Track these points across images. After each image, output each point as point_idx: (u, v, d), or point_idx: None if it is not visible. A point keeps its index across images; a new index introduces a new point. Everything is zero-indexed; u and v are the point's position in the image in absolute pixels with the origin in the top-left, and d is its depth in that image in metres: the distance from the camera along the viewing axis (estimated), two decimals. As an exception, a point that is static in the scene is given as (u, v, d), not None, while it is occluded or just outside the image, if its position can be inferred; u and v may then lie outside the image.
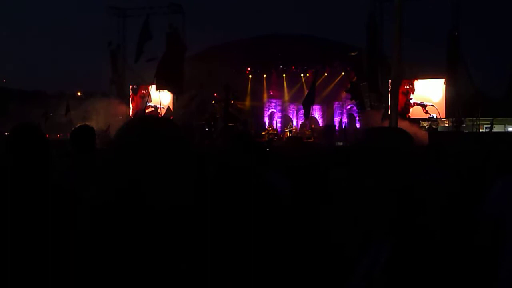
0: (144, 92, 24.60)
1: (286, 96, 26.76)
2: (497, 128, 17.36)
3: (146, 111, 23.95)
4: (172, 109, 23.36)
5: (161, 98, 22.88)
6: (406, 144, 3.18)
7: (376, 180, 3.42)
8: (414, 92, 21.80)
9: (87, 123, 3.80)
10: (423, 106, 21.47)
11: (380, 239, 3.24)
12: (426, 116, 21.16)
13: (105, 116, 20.37)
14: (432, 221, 3.27)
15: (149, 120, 1.78)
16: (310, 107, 18.90)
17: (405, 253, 3.16)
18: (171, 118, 18.22)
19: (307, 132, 22.43)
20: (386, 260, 3.18)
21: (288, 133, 23.92)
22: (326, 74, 24.83)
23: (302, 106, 25.73)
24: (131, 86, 25.37)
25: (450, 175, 3.61)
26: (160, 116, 22.29)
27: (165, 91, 21.93)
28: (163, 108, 23.64)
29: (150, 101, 23.86)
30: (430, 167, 3.75)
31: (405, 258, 3.15)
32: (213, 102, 25.50)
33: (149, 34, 18.89)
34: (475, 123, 18.72)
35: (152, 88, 23.13)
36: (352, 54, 21.52)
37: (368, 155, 3.76)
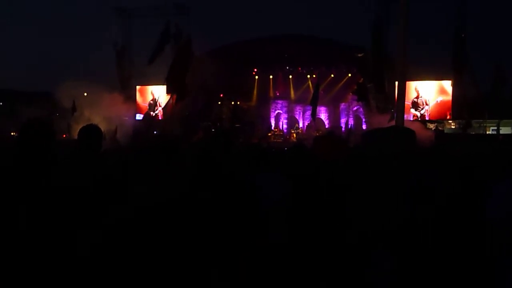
0: (152, 95, 24.76)
1: (293, 97, 26.69)
2: (503, 130, 17.25)
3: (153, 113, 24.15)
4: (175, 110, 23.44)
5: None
6: (407, 144, 3.16)
7: (375, 186, 3.41)
8: (421, 93, 21.72)
9: (94, 123, 3.76)
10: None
11: (382, 249, 3.23)
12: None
13: (111, 116, 20.36)
14: (436, 226, 3.26)
15: None
16: (315, 108, 19.55)
17: (409, 264, 3.15)
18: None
19: (314, 133, 22.35)
20: (391, 270, 3.16)
21: (294, 134, 23.90)
22: (332, 75, 24.73)
23: (308, 107, 25.92)
24: (136, 87, 25.48)
25: (454, 178, 3.59)
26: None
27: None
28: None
29: (160, 106, 24.03)
30: (434, 170, 3.73)
31: (410, 269, 3.13)
32: (219, 103, 25.51)
33: (168, 39, 19.30)
34: (482, 125, 18.59)
35: (154, 89, 23.43)
36: (359, 55, 21.46)
37: (367, 160, 3.75)
